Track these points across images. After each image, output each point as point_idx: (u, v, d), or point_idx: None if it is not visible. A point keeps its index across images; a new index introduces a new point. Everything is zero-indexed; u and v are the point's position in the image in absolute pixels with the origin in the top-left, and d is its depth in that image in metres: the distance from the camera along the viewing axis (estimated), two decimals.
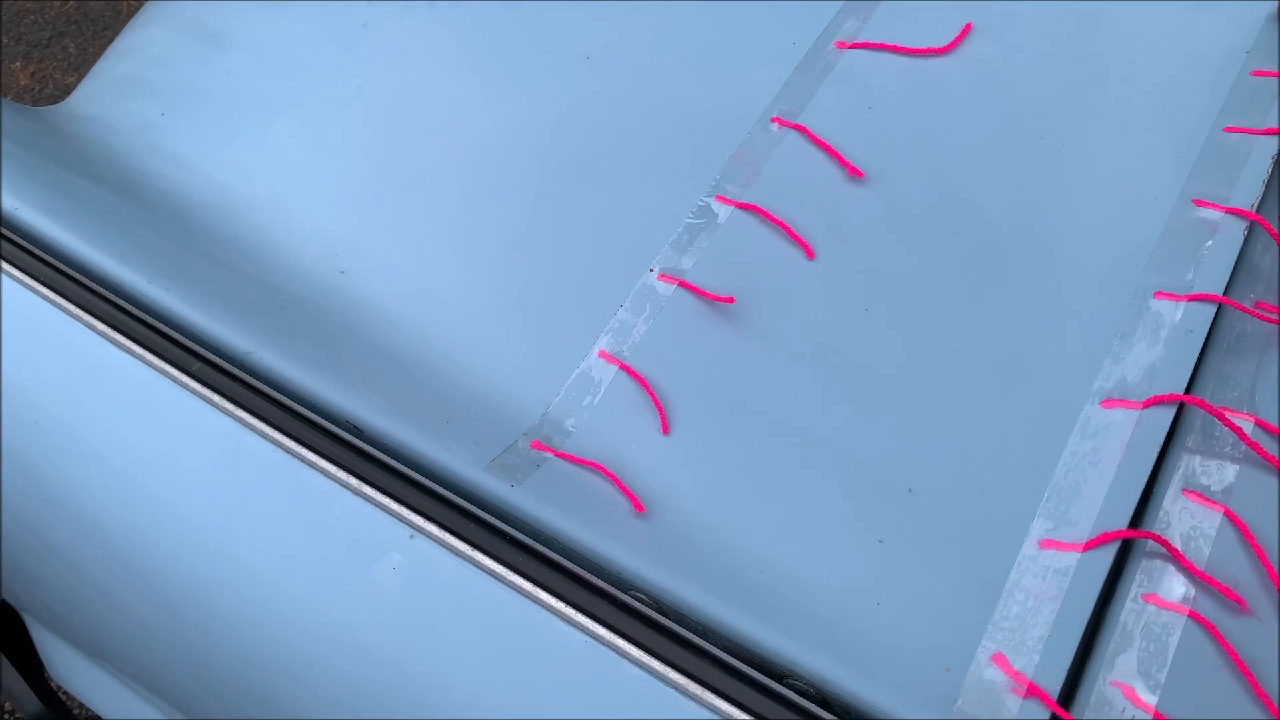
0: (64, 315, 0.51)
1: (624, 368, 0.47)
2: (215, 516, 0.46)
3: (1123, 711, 0.36)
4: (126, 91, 0.71)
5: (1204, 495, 0.40)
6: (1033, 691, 0.36)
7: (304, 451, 0.45)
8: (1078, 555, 0.39)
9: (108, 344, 0.49)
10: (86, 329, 0.50)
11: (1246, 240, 0.45)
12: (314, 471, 0.44)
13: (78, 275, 0.52)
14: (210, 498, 0.46)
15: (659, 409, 0.46)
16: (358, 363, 0.50)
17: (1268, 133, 0.47)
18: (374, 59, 0.65)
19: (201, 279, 0.54)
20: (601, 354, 0.48)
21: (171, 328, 0.50)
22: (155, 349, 0.48)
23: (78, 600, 0.54)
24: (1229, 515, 0.39)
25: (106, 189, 0.61)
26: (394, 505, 0.43)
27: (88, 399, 0.49)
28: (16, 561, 0.57)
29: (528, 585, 0.40)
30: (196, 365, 0.47)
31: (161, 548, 0.47)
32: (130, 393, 0.48)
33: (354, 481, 0.44)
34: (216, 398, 0.46)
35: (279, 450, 0.45)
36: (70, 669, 0.62)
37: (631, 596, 0.40)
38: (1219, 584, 0.38)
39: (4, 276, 0.52)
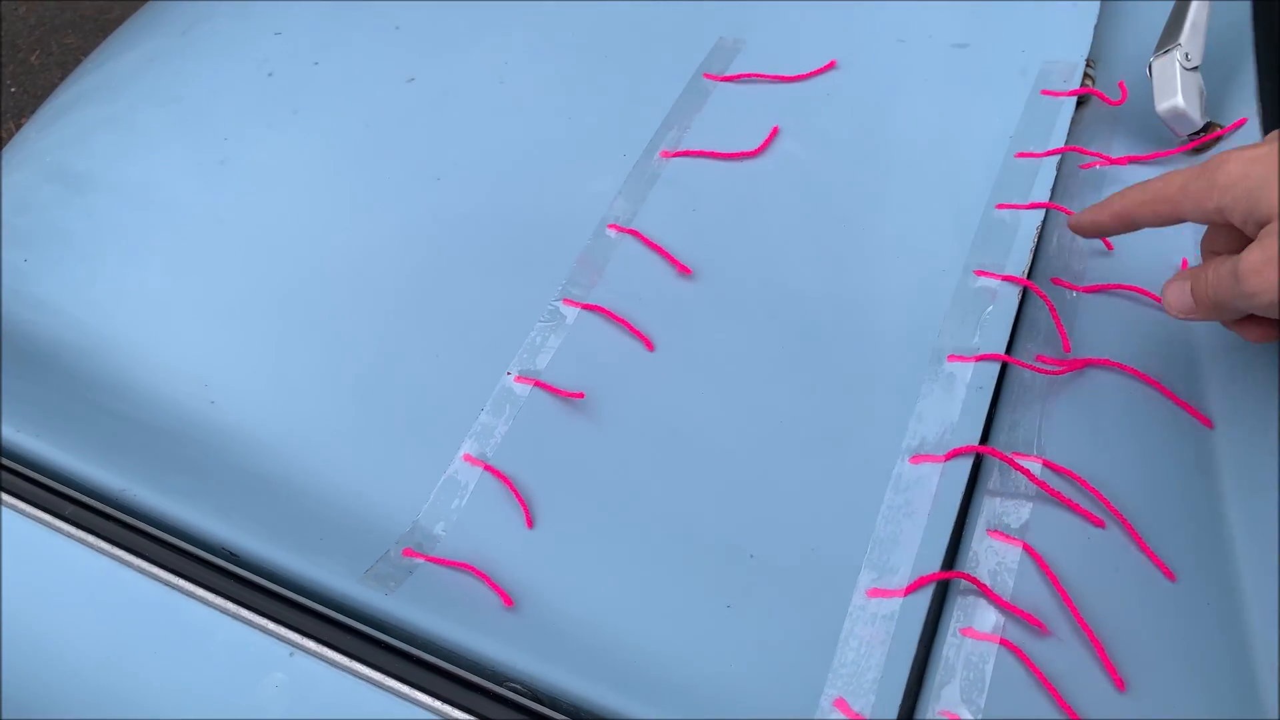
0: None
1: (488, 468, 0.51)
2: (98, 657, 0.47)
3: None
4: None
5: (1005, 533, 0.45)
6: None
7: (181, 582, 0.46)
8: (900, 600, 0.43)
9: None
10: None
11: (1022, 303, 0.52)
12: (193, 601, 0.46)
13: None
14: (91, 638, 0.47)
15: (523, 505, 0.49)
16: (230, 489, 0.51)
17: (1032, 207, 0.54)
18: (232, 192, 0.68)
19: (72, 422, 0.55)
20: (466, 457, 0.51)
21: (42, 473, 0.51)
22: (26, 496, 0.50)
23: None
24: (1027, 549, 0.44)
25: None
26: (272, 625, 0.45)
27: None
28: None
29: (406, 689, 0.43)
30: (69, 509, 0.49)
31: (46, 694, 0.47)
32: (3, 542, 0.49)
33: (232, 606, 0.45)
34: (91, 539, 0.48)
35: (157, 584, 0.47)
36: None
37: (507, 688, 0.43)
38: (1023, 612, 0.42)
39: None
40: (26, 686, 0.47)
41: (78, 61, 2.05)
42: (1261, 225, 0.40)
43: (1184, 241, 0.53)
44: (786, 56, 0.65)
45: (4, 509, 0.50)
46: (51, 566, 0.48)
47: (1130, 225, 0.46)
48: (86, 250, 0.68)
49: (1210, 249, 0.46)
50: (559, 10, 0.74)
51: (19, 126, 1.94)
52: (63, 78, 2.02)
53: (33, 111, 1.96)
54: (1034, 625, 0.42)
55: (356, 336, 0.58)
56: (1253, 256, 0.40)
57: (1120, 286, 0.52)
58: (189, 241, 0.66)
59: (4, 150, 0.85)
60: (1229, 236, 0.44)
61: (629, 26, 0.71)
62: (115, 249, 0.68)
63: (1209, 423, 0.47)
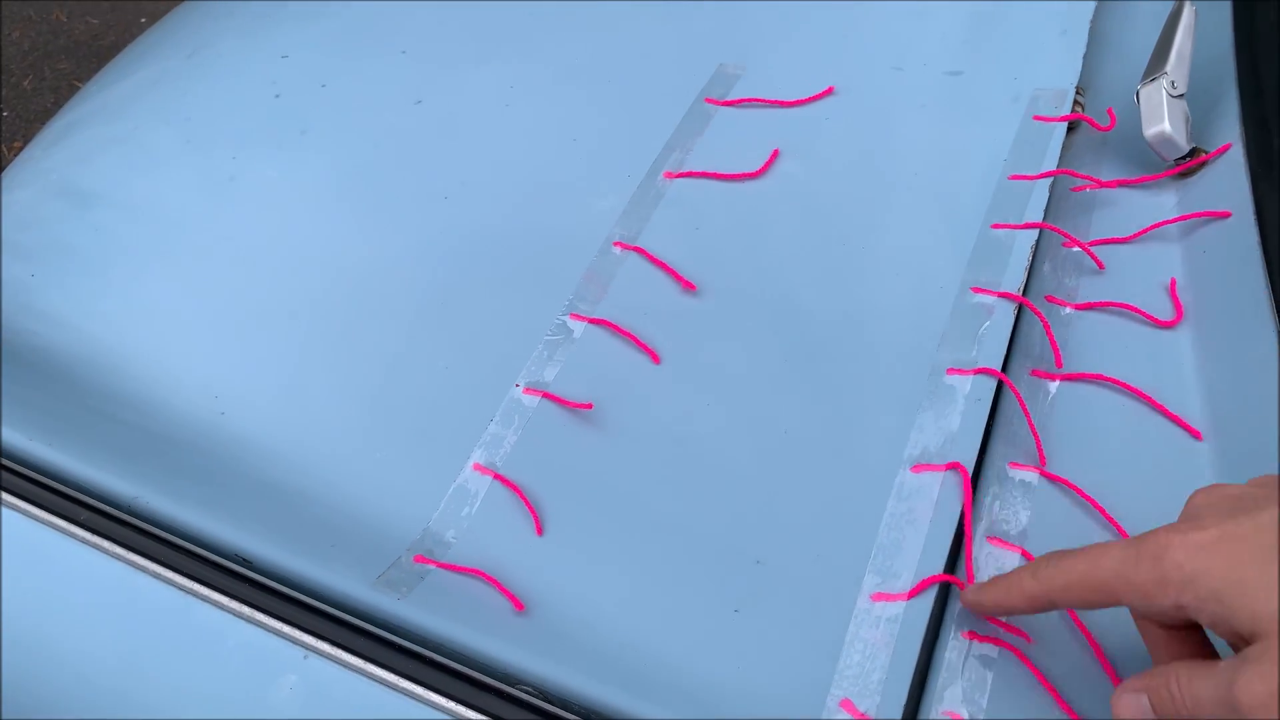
0: None
1: (498, 477, 0.51)
2: (112, 660, 0.47)
3: None
4: None
5: (1004, 540, 0.46)
6: None
7: (195, 586, 0.47)
8: (904, 603, 0.44)
9: None
10: None
11: (1017, 319, 0.53)
12: (207, 605, 0.47)
13: None
14: (106, 643, 0.48)
15: (532, 512, 0.50)
16: (243, 498, 0.52)
17: (1026, 227, 0.56)
18: (241, 208, 0.69)
19: (83, 431, 0.56)
20: (476, 466, 0.52)
21: (54, 480, 0.52)
22: (39, 501, 0.50)
23: None
24: (1024, 555, 0.46)
25: None
26: (286, 629, 0.45)
27: None
28: None
29: (420, 690, 0.43)
30: (84, 514, 0.49)
31: (60, 700, 0.48)
32: (17, 548, 0.50)
33: (246, 610, 0.46)
34: (105, 544, 0.48)
35: (171, 588, 0.47)
36: None
37: (519, 689, 0.44)
38: (1008, 625, 0.43)
39: None
40: (41, 690, 0.48)
41: (71, 87, 2.06)
42: (1242, 636, 0.33)
43: (1171, 261, 0.54)
44: (786, 83, 0.67)
45: (17, 514, 0.50)
46: (65, 571, 0.49)
47: (1046, 608, 0.40)
48: (94, 265, 0.69)
49: (1150, 629, 0.39)
50: (563, 36, 0.76)
51: (11, 150, 1.94)
52: (56, 103, 2.04)
53: (26, 135, 1.97)
54: (1018, 635, 0.43)
55: (366, 349, 0.59)
56: (1255, 688, 0.32)
57: (1112, 304, 0.54)
58: (197, 256, 0.67)
59: (7, 169, 0.86)
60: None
61: (633, 53, 0.73)
62: (123, 264, 0.68)
63: (1198, 434, 0.48)
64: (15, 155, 1.92)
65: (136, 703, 0.46)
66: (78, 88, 2.03)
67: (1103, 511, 0.46)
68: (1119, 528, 0.46)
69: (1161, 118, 0.57)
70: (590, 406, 0.53)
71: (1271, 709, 0.32)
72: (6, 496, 0.50)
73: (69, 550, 0.49)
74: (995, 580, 0.42)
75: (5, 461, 0.52)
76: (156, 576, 0.48)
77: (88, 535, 0.49)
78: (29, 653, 0.48)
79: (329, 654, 0.45)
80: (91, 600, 0.48)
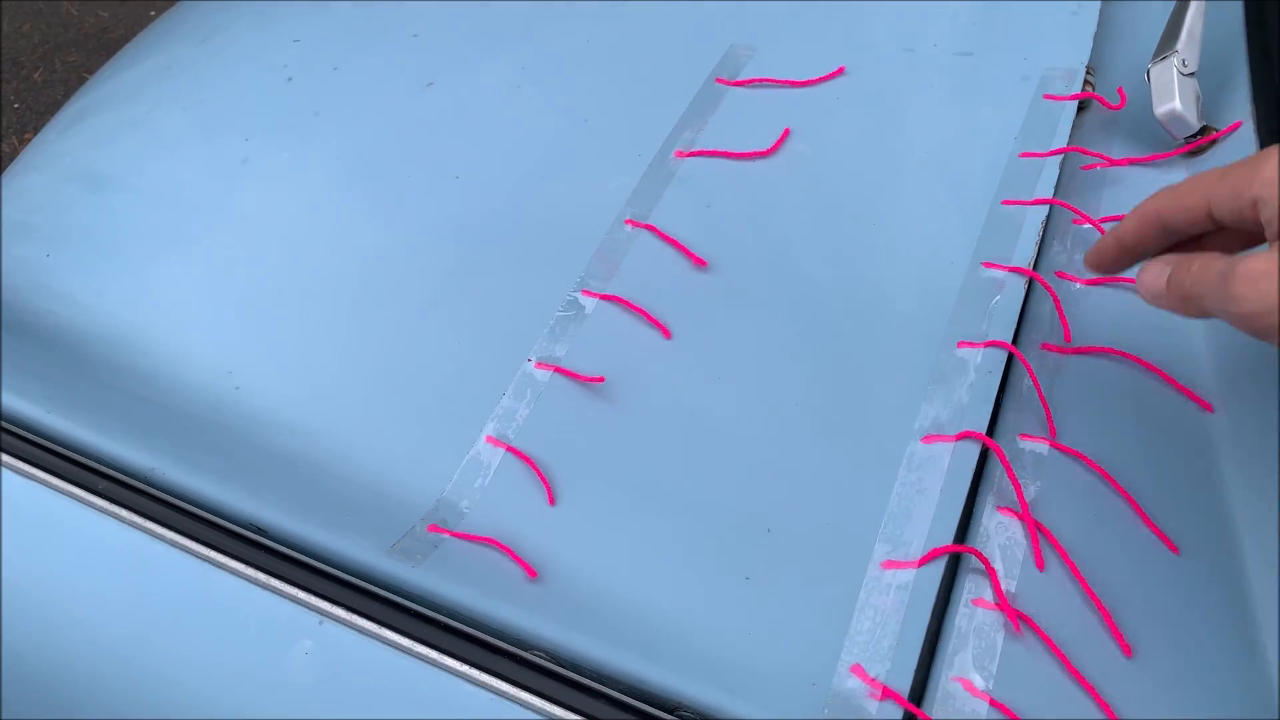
0: None
1: (510, 449, 0.52)
2: (130, 629, 0.48)
3: (964, 702, 0.42)
4: (9, 236, 0.74)
5: (1014, 509, 0.47)
6: (887, 694, 0.41)
7: (212, 554, 0.48)
8: (914, 571, 0.45)
9: (10, 473, 0.51)
10: None
11: (1028, 294, 0.54)
12: (223, 572, 0.47)
13: None
14: (123, 611, 0.48)
15: (545, 483, 0.50)
16: (258, 469, 0.53)
17: (1037, 203, 0.56)
18: (255, 190, 0.70)
19: (100, 406, 0.56)
20: (489, 439, 0.53)
21: (74, 451, 0.52)
22: (59, 472, 0.51)
23: None
24: (1039, 526, 0.46)
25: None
26: (302, 595, 0.46)
27: None
28: None
29: (435, 655, 0.44)
30: (102, 484, 0.50)
31: (78, 667, 0.48)
32: (36, 517, 0.50)
33: (262, 577, 0.47)
34: (124, 513, 0.49)
35: (188, 556, 0.48)
36: None
37: (532, 654, 0.44)
38: (1007, 608, 0.44)
39: None
40: (59, 658, 0.48)
41: (80, 79, 2.07)
42: None
43: None
44: (796, 63, 0.68)
45: (37, 485, 0.51)
46: (85, 540, 0.49)
47: (1157, 225, 0.43)
48: (109, 246, 0.70)
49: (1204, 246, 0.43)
50: (574, 18, 0.76)
51: (23, 142, 1.95)
52: (66, 94, 2.05)
53: (37, 127, 1.98)
54: (1017, 619, 0.43)
55: (379, 326, 0.59)
56: (1255, 264, 0.36)
57: (1121, 280, 0.54)
58: (212, 237, 0.68)
59: (22, 153, 0.87)
60: (1230, 241, 0.42)
61: (643, 34, 0.73)
62: (138, 245, 0.69)
63: (1208, 406, 0.48)
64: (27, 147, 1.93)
65: (154, 667, 0.47)
66: (87, 80, 2.04)
67: (1113, 482, 0.46)
68: (1130, 498, 0.46)
69: (1172, 96, 0.57)
70: (602, 380, 0.54)
71: (1259, 284, 0.36)
72: (23, 466, 0.51)
73: (88, 520, 0.50)
74: (1153, 265, 0.43)
75: (21, 432, 0.53)
76: (174, 545, 0.48)
77: (106, 505, 0.49)
78: (48, 620, 0.49)
79: (344, 619, 0.45)
80: (110, 568, 0.49)
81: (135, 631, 0.48)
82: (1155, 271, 0.42)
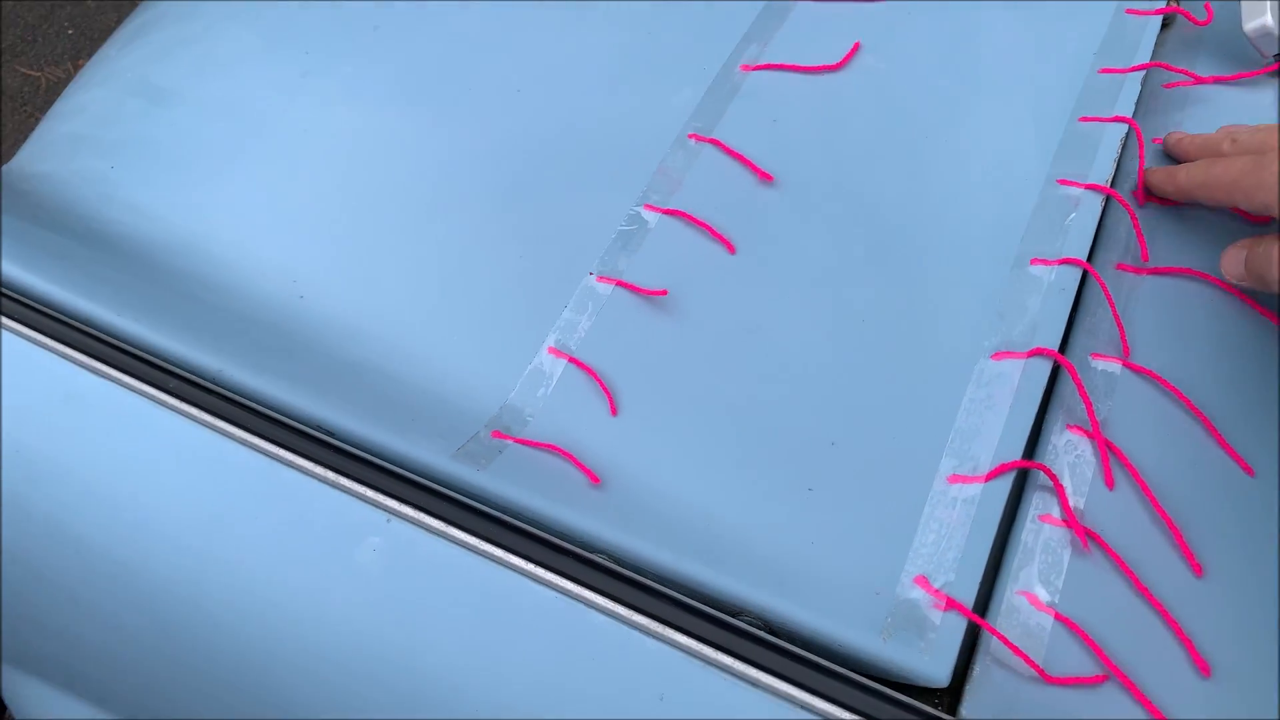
0: (37, 348, 0.54)
1: (572, 360, 0.52)
2: (200, 522, 0.49)
3: (1028, 615, 0.42)
4: (73, 149, 0.74)
5: (1083, 428, 0.46)
6: (951, 605, 0.41)
7: (281, 452, 0.48)
8: (981, 486, 0.44)
9: (83, 371, 0.52)
10: (60, 359, 0.53)
11: (1104, 213, 0.52)
12: (292, 470, 0.48)
13: (44, 309, 0.55)
14: (194, 505, 0.49)
15: (607, 393, 0.50)
16: (324, 374, 0.53)
17: (1116, 120, 0.54)
18: (315, 103, 0.70)
19: (167, 309, 0.57)
20: (551, 350, 0.53)
21: (143, 352, 0.53)
22: (130, 371, 0.52)
23: (61, 626, 0.56)
24: (1109, 444, 0.45)
25: (63, 236, 0.64)
26: (369, 493, 0.47)
27: (66, 425, 0.52)
28: None
29: (500, 553, 0.44)
30: (173, 383, 0.51)
31: (149, 558, 0.50)
32: (109, 414, 0.52)
33: (331, 475, 0.47)
34: (194, 410, 0.50)
35: (257, 454, 0.49)
36: (38, 702, 0.63)
37: (596, 556, 0.45)
38: (1078, 526, 0.43)
39: None
40: (133, 552, 0.49)
41: (132, 4, 2.07)
42: None
43: None
44: None
45: (110, 383, 0.52)
46: (157, 437, 0.50)
47: (1189, 201, 0.50)
48: (172, 158, 0.70)
49: None
50: None
51: (77, 67, 1.97)
52: (118, 19, 2.05)
53: (90, 53, 1.99)
54: (1085, 535, 0.43)
55: (440, 239, 0.59)
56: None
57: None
58: (274, 151, 0.68)
59: (83, 68, 0.87)
60: None
61: None
62: (200, 158, 0.69)
63: None
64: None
65: (226, 561, 0.48)
66: (139, 5, 2.04)
67: (1187, 402, 0.46)
68: (1202, 416, 0.45)
69: (1263, 11, 0.55)
70: (665, 293, 0.53)
71: None
72: (100, 366, 0.52)
73: (159, 418, 0.51)
74: (1163, 170, 0.52)
75: (97, 333, 0.54)
76: (243, 443, 0.49)
77: (177, 404, 0.50)
78: (123, 515, 0.50)
79: (411, 517, 0.46)
80: (182, 465, 0.50)
81: (207, 527, 0.49)
82: (1233, 257, 0.48)
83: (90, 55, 1.99)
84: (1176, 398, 0.46)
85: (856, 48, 0.62)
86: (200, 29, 0.82)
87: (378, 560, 0.46)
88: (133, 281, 0.60)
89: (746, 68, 0.62)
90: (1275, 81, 0.56)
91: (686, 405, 0.50)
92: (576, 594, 0.43)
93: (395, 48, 0.72)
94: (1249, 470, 0.44)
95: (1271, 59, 0.56)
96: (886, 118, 0.58)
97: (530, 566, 0.44)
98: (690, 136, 0.60)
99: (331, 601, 0.46)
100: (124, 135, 0.74)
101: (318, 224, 0.62)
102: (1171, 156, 0.54)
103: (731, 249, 0.55)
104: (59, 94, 1.92)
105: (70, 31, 2.03)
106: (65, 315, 0.55)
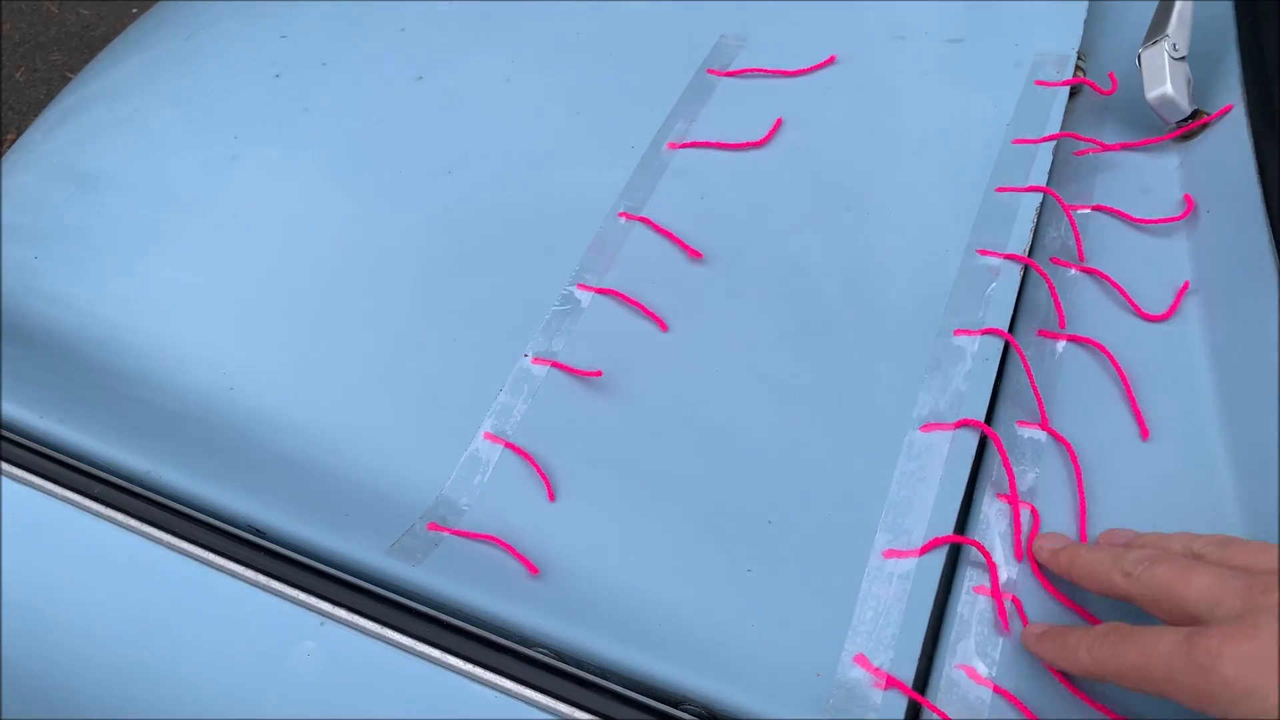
0: None
1: (509, 445, 0.52)
2: (130, 632, 0.47)
3: (968, 689, 0.42)
4: None
5: (1011, 497, 0.47)
6: (891, 683, 0.42)
7: (211, 557, 0.47)
8: (915, 560, 0.45)
9: (5, 480, 0.51)
10: None
11: (1024, 280, 0.54)
12: (222, 575, 0.47)
13: None
14: (123, 615, 0.48)
15: (544, 479, 0.50)
16: (255, 470, 0.52)
17: (1031, 190, 0.56)
18: (244, 187, 0.69)
19: (93, 409, 0.56)
20: (487, 435, 0.53)
21: (68, 455, 0.52)
22: (54, 477, 0.50)
23: None
24: (1032, 511, 0.46)
25: None
26: (302, 596, 0.46)
27: None
28: None
29: (436, 653, 0.44)
30: (98, 488, 0.50)
31: (76, 668, 0.48)
32: (30, 523, 0.50)
33: (262, 579, 0.46)
34: (120, 516, 0.49)
35: (187, 559, 0.48)
36: None
37: (535, 651, 0.44)
38: (999, 598, 0.44)
39: None
40: (59, 663, 0.48)
41: (63, 78, 2.05)
42: None
43: (1174, 227, 0.55)
44: (787, 52, 0.67)
45: (31, 490, 0.50)
46: (82, 545, 0.49)
47: (1099, 680, 0.40)
48: (100, 246, 0.69)
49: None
50: (562, 11, 0.76)
51: (5, 143, 1.94)
52: (49, 94, 2.03)
53: (20, 127, 1.96)
54: (1006, 612, 0.43)
55: (373, 324, 0.59)
56: (1243, 647, 0.33)
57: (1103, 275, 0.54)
58: (203, 236, 0.67)
59: (7, 153, 0.86)
60: None
61: (633, 26, 0.73)
62: (129, 244, 0.68)
63: (1145, 433, 0.48)
64: (9, 147, 1.91)
65: (156, 671, 0.46)
66: (70, 79, 2.02)
67: (1078, 475, 0.47)
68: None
69: (1163, 80, 0.57)
70: (600, 374, 0.53)
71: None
72: (19, 472, 0.51)
73: (84, 524, 0.49)
74: (1053, 635, 0.41)
75: (16, 438, 0.52)
76: (172, 548, 0.48)
77: (103, 509, 0.49)
78: (47, 626, 0.48)
79: (346, 620, 0.45)
80: (108, 572, 0.49)
81: (136, 635, 0.47)
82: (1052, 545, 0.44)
83: (19, 130, 1.97)
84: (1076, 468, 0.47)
85: (779, 123, 0.63)
86: (130, 110, 0.81)
87: (312, 665, 0.45)
88: (57, 381, 0.58)
89: (674, 145, 0.64)
90: (1178, 147, 0.58)
91: (624, 488, 0.50)
92: (517, 693, 0.42)
93: (324, 130, 0.72)
94: None
95: (1174, 125, 0.58)
96: (810, 192, 0.60)
97: (468, 666, 0.43)
98: (621, 215, 0.60)
99: (266, 708, 0.45)
100: (49, 223, 0.73)
101: (247, 311, 0.61)
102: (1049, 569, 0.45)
103: (664, 326, 0.55)
104: None
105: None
106: None
